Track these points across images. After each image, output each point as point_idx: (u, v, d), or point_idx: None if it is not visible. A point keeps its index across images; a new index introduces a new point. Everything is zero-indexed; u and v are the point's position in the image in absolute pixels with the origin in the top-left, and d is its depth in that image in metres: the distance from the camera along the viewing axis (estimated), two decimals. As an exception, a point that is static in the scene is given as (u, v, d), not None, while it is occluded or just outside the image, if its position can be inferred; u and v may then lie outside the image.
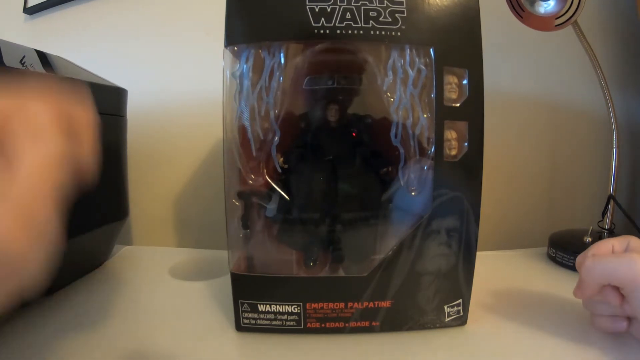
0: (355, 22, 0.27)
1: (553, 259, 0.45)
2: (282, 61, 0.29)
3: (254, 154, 0.30)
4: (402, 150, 0.30)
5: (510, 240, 0.55)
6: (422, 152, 0.29)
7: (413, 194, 0.30)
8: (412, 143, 0.29)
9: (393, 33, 0.27)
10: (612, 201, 0.45)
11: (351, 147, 0.31)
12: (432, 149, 0.28)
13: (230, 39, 0.28)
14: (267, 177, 0.31)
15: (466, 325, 0.31)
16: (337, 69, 0.30)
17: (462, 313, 0.30)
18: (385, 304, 0.29)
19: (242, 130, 0.30)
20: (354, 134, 0.32)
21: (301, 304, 0.29)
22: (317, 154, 0.31)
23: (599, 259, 0.26)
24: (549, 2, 0.41)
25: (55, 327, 0.31)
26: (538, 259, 0.47)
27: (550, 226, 0.51)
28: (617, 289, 0.26)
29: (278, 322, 0.30)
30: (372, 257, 0.30)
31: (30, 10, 0.66)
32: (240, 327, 0.30)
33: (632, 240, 0.27)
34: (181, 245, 0.61)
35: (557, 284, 0.39)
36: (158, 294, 0.38)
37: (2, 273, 0.15)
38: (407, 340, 0.29)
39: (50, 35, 0.65)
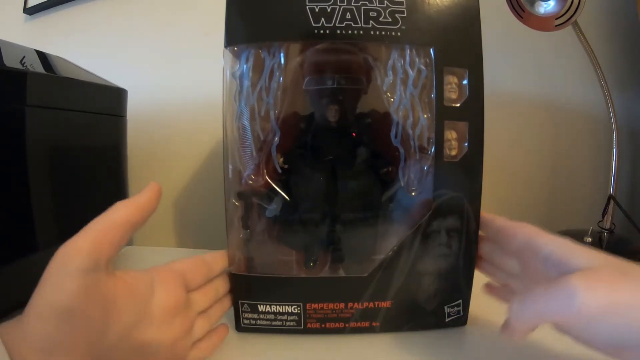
0: (355, 22, 0.27)
1: (553, 259, 0.45)
2: (282, 61, 0.29)
3: (254, 154, 0.30)
4: (402, 151, 0.30)
5: (510, 241, 0.55)
6: (422, 152, 0.29)
7: (413, 194, 0.30)
8: (412, 143, 0.29)
9: (393, 33, 0.27)
10: (612, 201, 0.45)
11: (351, 148, 0.31)
12: (432, 149, 0.28)
13: (231, 39, 0.28)
14: (267, 178, 0.31)
15: (466, 325, 0.31)
16: (337, 69, 0.30)
17: (462, 313, 0.30)
18: (386, 304, 0.29)
19: (242, 130, 0.30)
20: (354, 135, 0.32)
21: (301, 304, 0.29)
22: (317, 154, 0.31)
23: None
24: (549, 2, 0.41)
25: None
26: (538, 259, 0.46)
27: (550, 226, 0.51)
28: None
29: (278, 323, 0.30)
30: (372, 258, 0.30)
31: (30, 11, 0.66)
32: (240, 328, 0.30)
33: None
34: (181, 245, 0.61)
35: (557, 284, 0.39)
36: (158, 294, 0.38)
37: None
38: (407, 341, 0.29)
39: (50, 35, 0.65)
